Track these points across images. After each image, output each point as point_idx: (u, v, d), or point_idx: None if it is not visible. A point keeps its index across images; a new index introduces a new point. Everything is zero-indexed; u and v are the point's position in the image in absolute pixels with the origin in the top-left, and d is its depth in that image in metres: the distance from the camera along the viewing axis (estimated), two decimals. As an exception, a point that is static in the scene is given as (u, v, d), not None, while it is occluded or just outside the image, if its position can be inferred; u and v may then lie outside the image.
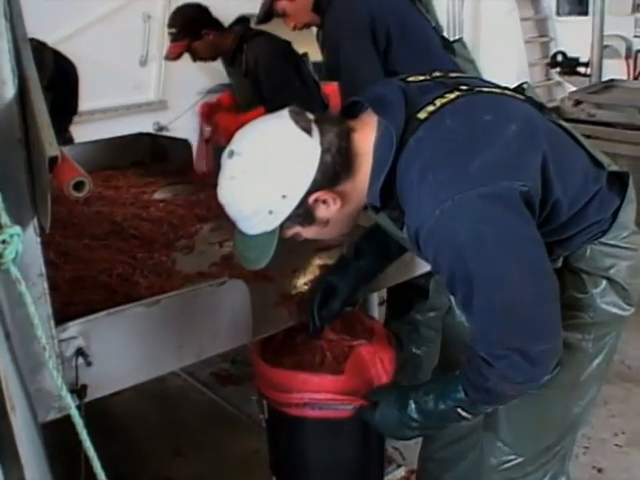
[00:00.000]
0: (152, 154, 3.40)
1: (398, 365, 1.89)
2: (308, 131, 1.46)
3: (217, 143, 3.17)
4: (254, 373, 1.94)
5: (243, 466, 2.62)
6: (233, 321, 1.75)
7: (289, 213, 1.48)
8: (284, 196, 1.46)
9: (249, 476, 2.50)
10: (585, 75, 6.45)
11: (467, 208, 1.36)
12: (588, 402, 1.75)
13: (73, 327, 1.51)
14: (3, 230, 0.95)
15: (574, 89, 5.47)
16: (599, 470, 2.69)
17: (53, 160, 1.18)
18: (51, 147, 1.18)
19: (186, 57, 3.49)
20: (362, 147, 1.50)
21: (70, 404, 1.05)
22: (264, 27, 3.26)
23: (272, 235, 1.51)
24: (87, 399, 1.53)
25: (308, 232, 1.58)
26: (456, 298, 1.53)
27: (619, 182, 1.63)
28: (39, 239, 1.35)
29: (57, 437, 1.47)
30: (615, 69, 6.45)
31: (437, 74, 1.64)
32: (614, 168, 1.63)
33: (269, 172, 1.45)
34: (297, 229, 1.56)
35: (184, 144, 3.21)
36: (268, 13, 2.87)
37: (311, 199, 1.48)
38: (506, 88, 1.64)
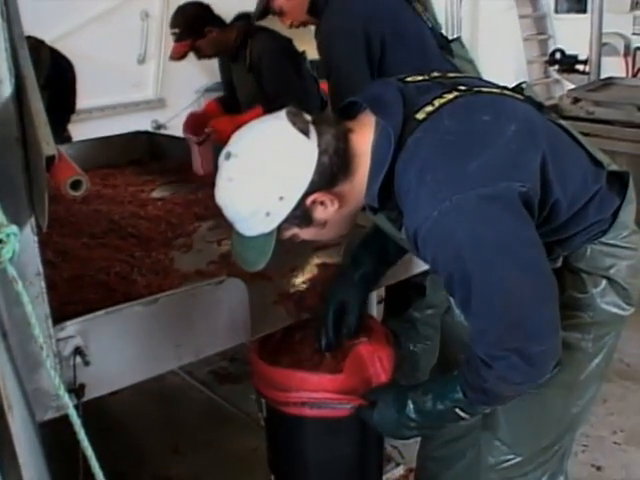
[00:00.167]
0: (150, 152, 3.40)
1: (396, 364, 1.88)
2: (305, 132, 1.45)
3: (215, 144, 3.16)
4: (252, 372, 1.93)
5: (242, 464, 2.62)
6: (231, 320, 1.75)
7: (286, 215, 1.48)
8: (281, 198, 1.45)
9: (248, 474, 2.50)
10: (584, 73, 6.45)
11: (465, 209, 1.36)
12: (587, 402, 1.75)
13: (71, 326, 1.50)
14: (0, 229, 0.94)
15: (573, 87, 5.47)
16: (598, 468, 2.69)
17: (50, 159, 1.18)
18: (48, 146, 1.17)
19: (184, 55, 3.48)
20: (360, 148, 1.49)
21: (68, 403, 1.05)
22: (262, 24, 3.27)
23: (270, 237, 1.50)
24: (85, 398, 1.52)
25: (306, 233, 1.57)
26: (455, 299, 1.53)
27: (619, 182, 1.62)
28: (36, 238, 1.35)
29: (55, 436, 1.47)
30: (614, 67, 6.46)
31: (435, 74, 1.64)
32: (614, 168, 1.62)
33: (266, 174, 1.45)
34: (295, 230, 1.55)
35: (182, 142, 3.21)
36: (264, 10, 2.87)
37: (308, 201, 1.48)
38: (505, 88, 1.63)
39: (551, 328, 1.44)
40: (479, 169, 1.38)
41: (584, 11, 6.87)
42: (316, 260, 2.11)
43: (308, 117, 1.50)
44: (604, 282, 1.62)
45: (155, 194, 2.81)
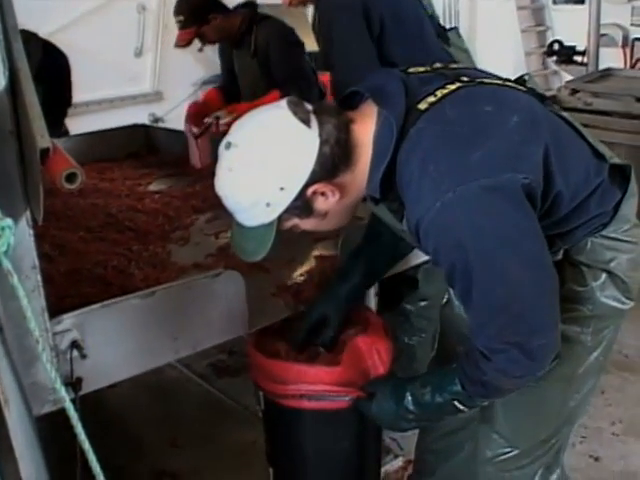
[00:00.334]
0: (147, 146, 3.39)
1: (394, 356, 1.88)
2: (306, 122, 1.44)
3: (212, 136, 3.16)
4: (250, 364, 1.93)
5: (240, 457, 2.62)
6: (229, 312, 1.75)
7: (287, 205, 1.47)
8: (282, 188, 1.44)
9: (246, 467, 2.49)
10: (582, 64, 6.45)
11: (468, 200, 1.35)
12: (585, 395, 1.75)
13: (67, 320, 1.50)
14: (-6, 223, 0.94)
15: (571, 78, 5.47)
16: (596, 459, 2.70)
17: (45, 152, 1.17)
18: (42, 139, 1.17)
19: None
20: (361, 138, 1.48)
21: (65, 397, 1.04)
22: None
23: (270, 227, 1.49)
24: (82, 392, 1.52)
25: (306, 224, 1.56)
26: (455, 291, 1.52)
27: (620, 175, 1.61)
28: (32, 231, 1.35)
29: (53, 429, 1.47)
30: (612, 57, 6.46)
31: (437, 65, 1.63)
32: (616, 160, 1.61)
33: (267, 164, 1.43)
34: (295, 221, 1.54)
35: (179, 135, 3.20)
36: None
37: (309, 191, 1.47)
38: (507, 79, 1.62)
39: (551, 321, 1.43)
40: (482, 160, 1.37)
41: (582, 2, 6.86)
42: (314, 252, 2.11)
43: (309, 107, 1.48)
44: (604, 275, 1.62)
45: (152, 187, 2.80)
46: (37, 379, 1.44)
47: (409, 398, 1.60)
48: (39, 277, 1.38)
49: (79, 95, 4.07)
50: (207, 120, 3.11)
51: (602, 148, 1.61)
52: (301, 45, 3.51)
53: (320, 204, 1.50)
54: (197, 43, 3.42)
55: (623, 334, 1.74)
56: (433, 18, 2.78)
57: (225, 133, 1.51)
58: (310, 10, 2.87)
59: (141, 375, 1.67)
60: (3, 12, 1.26)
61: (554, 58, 7.32)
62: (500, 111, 1.46)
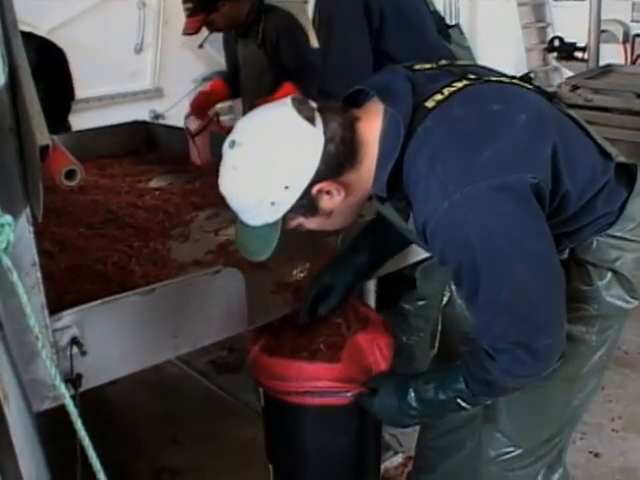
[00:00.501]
0: (148, 142, 3.39)
1: (395, 352, 1.88)
2: (311, 120, 1.43)
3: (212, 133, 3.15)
4: (250, 361, 1.93)
5: (240, 454, 2.62)
6: (228, 309, 1.75)
7: (292, 204, 1.45)
8: (287, 187, 1.43)
9: (246, 464, 2.50)
10: (582, 60, 6.45)
11: (476, 200, 1.34)
12: (589, 394, 1.75)
13: (67, 316, 1.50)
14: (-6, 220, 0.94)
15: (571, 74, 5.46)
16: (596, 455, 2.70)
17: (44, 149, 1.17)
18: (42, 136, 1.17)
19: (180, 45, 3.47)
20: (367, 137, 1.47)
21: (64, 394, 1.04)
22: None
23: (274, 226, 1.48)
24: (82, 388, 1.52)
25: (311, 223, 1.55)
26: (462, 290, 1.52)
27: (626, 174, 1.60)
28: (32, 228, 1.35)
29: (53, 426, 1.47)
30: (612, 54, 6.45)
31: (444, 62, 1.62)
32: (622, 159, 1.60)
33: (271, 163, 1.42)
34: (300, 220, 1.53)
35: (180, 132, 3.20)
36: None
37: (314, 190, 1.45)
38: (514, 77, 1.60)
39: (558, 322, 1.43)
40: (490, 160, 1.36)
41: (583, -2, 6.85)
42: (314, 249, 2.10)
43: (314, 104, 1.47)
44: (609, 275, 1.61)
45: (153, 184, 2.80)
46: (37, 375, 1.44)
47: (412, 394, 1.60)
48: (39, 274, 1.39)
49: (79, 92, 4.06)
50: (210, 112, 3.10)
51: (608, 147, 1.60)
52: (307, 37, 3.51)
53: (325, 203, 1.49)
54: (198, 40, 3.41)
55: (623, 330, 1.74)
56: (435, 14, 2.77)
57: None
58: (310, 6, 2.87)
59: (141, 372, 1.67)
60: (3, 9, 1.26)
61: (555, 54, 7.31)
62: (508, 110, 1.45)
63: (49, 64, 3.61)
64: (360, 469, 2.00)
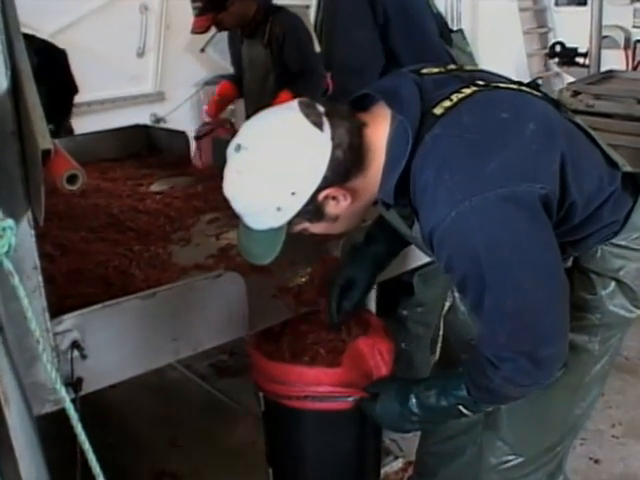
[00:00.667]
0: (149, 146, 3.39)
1: (396, 357, 1.88)
2: (319, 125, 1.40)
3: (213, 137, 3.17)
4: (251, 365, 1.93)
5: (240, 458, 2.62)
6: (229, 314, 1.75)
7: (298, 210, 1.44)
8: (293, 193, 1.41)
9: (246, 468, 2.49)
10: (584, 66, 6.46)
11: (484, 210, 1.33)
12: (590, 403, 1.75)
13: (68, 320, 1.50)
14: (-5, 223, 0.94)
15: (573, 80, 5.47)
16: (596, 461, 2.70)
17: (46, 153, 1.17)
18: (44, 140, 1.17)
19: (182, 49, 3.48)
20: (374, 143, 1.45)
21: (65, 397, 1.04)
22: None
23: (279, 231, 1.47)
24: (83, 392, 1.52)
25: (316, 228, 1.54)
26: (466, 298, 1.51)
27: (632, 183, 1.59)
28: (33, 232, 1.35)
29: (53, 429, 1.47)
30: (614, 59, 6.46)
31: (452, 67, 1.60)
32: (628, 169, 1.59)
33: (278, 168, 1.40)
34: (305, 225, 1.52)
35: (181, 136, 3.20)
36: None
37: (321, 196, 1.44)
38: (521, 83, 1.59)
39: (561, 331, 1.43)
40: (498, 170, 1.35)
41: (584, 3, 6.86)
42: (315, 254, 2.10)
43: (321, 109, 1.44)
44: (613, 284, 1.61)
45: (154, 188, 2.79)
46: (37, 379, 1.44)
47: (413, 400, 1.59)
48: (40, 278, 1.39)
49: (81, 95, 4.06)
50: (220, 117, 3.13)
51: (615, 156, 1.59)
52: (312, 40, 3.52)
53: (331, 208, 1.48)
54: (199, 44, 3.42)
55: (623, 336, 1.74)
56: (438, 17, 2.77)
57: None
58: (312, 11, 2.88)
59: (142, 375, 1.67)
60: (5, 12, 1.26)
61: (556, 60, 7.31)
62: (516, 118, 1.43)
63: (51, 66, 3.62)
64: (360, 474, 2.00)
